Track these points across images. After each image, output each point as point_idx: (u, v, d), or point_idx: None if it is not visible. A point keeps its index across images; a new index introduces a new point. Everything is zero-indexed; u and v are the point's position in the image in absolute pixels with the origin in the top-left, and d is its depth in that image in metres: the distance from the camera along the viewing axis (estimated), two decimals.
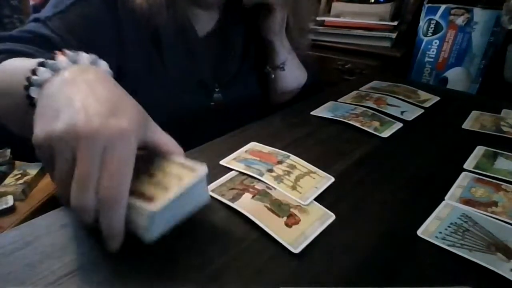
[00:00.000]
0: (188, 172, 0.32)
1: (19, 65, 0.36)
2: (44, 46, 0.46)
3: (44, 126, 0.28)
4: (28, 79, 0.31)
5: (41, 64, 0.31)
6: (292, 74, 0.70)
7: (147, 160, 0.34)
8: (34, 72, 0.31)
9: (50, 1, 0.53)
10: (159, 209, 0.29)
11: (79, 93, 0.29)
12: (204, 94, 0.64)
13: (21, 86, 0.32)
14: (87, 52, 0.47)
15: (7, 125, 0.41)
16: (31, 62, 0.33)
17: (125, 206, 0.28)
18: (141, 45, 0.56)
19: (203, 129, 0.63)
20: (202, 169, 0.32)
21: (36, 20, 0.50)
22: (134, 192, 0.30)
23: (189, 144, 0.51)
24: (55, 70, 0.31)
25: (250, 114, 0.68)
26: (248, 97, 0.70)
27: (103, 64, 0.34)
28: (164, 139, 0.34)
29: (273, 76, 0.70)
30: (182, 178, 0.31)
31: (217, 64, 0.65)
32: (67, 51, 0.33)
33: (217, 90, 0.65)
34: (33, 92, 0.31)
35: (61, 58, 0.32)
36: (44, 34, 0.48)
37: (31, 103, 0.31)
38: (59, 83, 0.30)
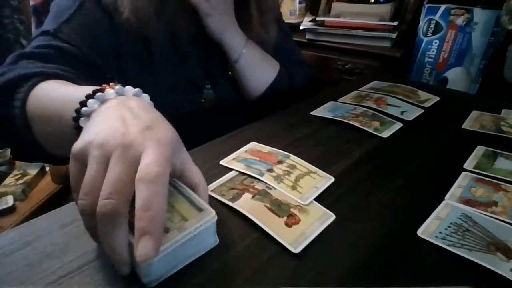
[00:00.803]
0: (194, 212, 0.31)
1: (66, 95, 0.37)
2: (62, 59, 0.47)
3: (85, 137, 0.29)
4: (77, 111, 0.33)
5: (89, 96, 0.33)
6: (251, 72, 0.66)
7: None
8: (83, 104, 0.33)
9: (50, 14, 0.54)
10: (159, 258, 0.27)
11: (121, 113, 0.31)
12: (195, 92, 0.64)
13: (69, 116, 0.34)
14: (94, 57, 0.47)
15: (46, 147, 0.42)
16: (78, 93, 0.34)
17: (164, 212, 0.26)
18: (134, 49, 0.58)
19: (198, 129, 0.63)
20: (209, 213, 0.31)
21: (45, 33, 0.51)
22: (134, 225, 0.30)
23: (185, 144, 0.51)
24: (103, 101, 0.33)
25: (243, 112, 0.68)
26: (239, 94, 0.69)
27: (145, 96, 0.37)
28: (195, 171, 0.34)
29: (230, 73, 0.68)
30: (187, 219, 0.30)
31: (207, 62, 0.65)
32: (112, 84, 0.35)
33: (207, 87, 0.65)
34: (82, 122, 0.33)
35: (108, 90, 0.34)
36: (58, 46, 0.49)
37: (79, 132, 0.32)
38: (105, 109, 0.32)
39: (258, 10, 0.66)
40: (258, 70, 0.68)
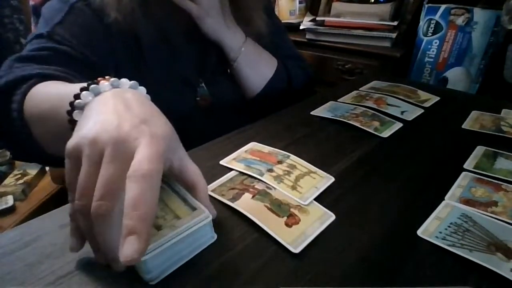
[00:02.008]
0: (188, 211, 0.32)
1: (61, 92, 0.37)
2: (58, 60, 0.47)
3: (78, 133, 0.28)
4: (71, 104, 0.32)
5: (84, 89, 0.32)
6: (250, 70, 0.67)
7: None
8: (77, 96, 0.32)
9: (41, 19, 0.55)
10: (151, 256, 0.28)
11: (115, 106, 0.29)
12: (190, 91, 0.64)
13: (63, 112, 0.33)
14: (90, 56, 0.49)
15: (45, 148, 0.42)
16: (73, 88, 0.33)
17: (153, 211, 0.25)
18: (126, 49, 0.58)
19: (195, 128, 0.62)
20: (201, 212, 0.31)
21: (39, 36, 0.51)
22: None
23: (182, 143, 0.51)
24: (97, 94, 0.32)
25: (240, 110, 0.68)
26: (236, 92, 0.69)
27: (142, 89, 0.35)
28: (192, 169, 0.33)
29: (229, 71, 0.68)
30: (180, 217, 0.31)
31: (201, 60, 0.65)
32: (108, 77, 0.33)
33: (201, 85, 0.65)
34: (76, 115, 0.32)
35: (103, 82, 0.33)
36: (53, 47, 0.49)
37: (73, 127, 0.31)
38: (98, 101, 0.31)
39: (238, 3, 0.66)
40: (257, 68, 0.68)
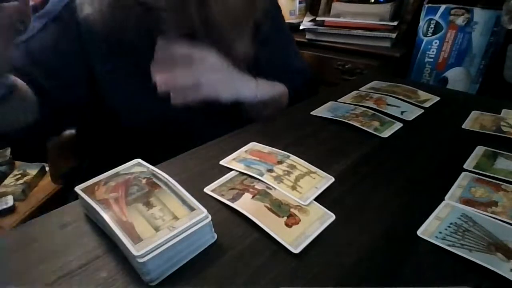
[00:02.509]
0: (186, 211, 0.32)
1: None
2: None
3: None
4: None
5: None
6: (265, 108, 0.67)
7: (148, 188, 0.34)
8: None
9: None
10: (150, 257, 0.28)
11: None
12: None
13: None
14: (54, 82, 0.50)
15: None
16: None
17: None
18: (113, 59, 0.56)
19: (194, 129, 0.62)
20: (200, 212, 0.32)
21: None
22: (125, 222, 0.30)
23: (178, 147, 0.51)
24: None
25: (238, 113, 0.68)
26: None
27: None
28: None
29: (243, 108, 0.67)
30: (178, 218, 0.31)
31: None
32: None
33: None
34: None
35: None
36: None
37: None
38: None
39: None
40: (271, 104, 0.68)
